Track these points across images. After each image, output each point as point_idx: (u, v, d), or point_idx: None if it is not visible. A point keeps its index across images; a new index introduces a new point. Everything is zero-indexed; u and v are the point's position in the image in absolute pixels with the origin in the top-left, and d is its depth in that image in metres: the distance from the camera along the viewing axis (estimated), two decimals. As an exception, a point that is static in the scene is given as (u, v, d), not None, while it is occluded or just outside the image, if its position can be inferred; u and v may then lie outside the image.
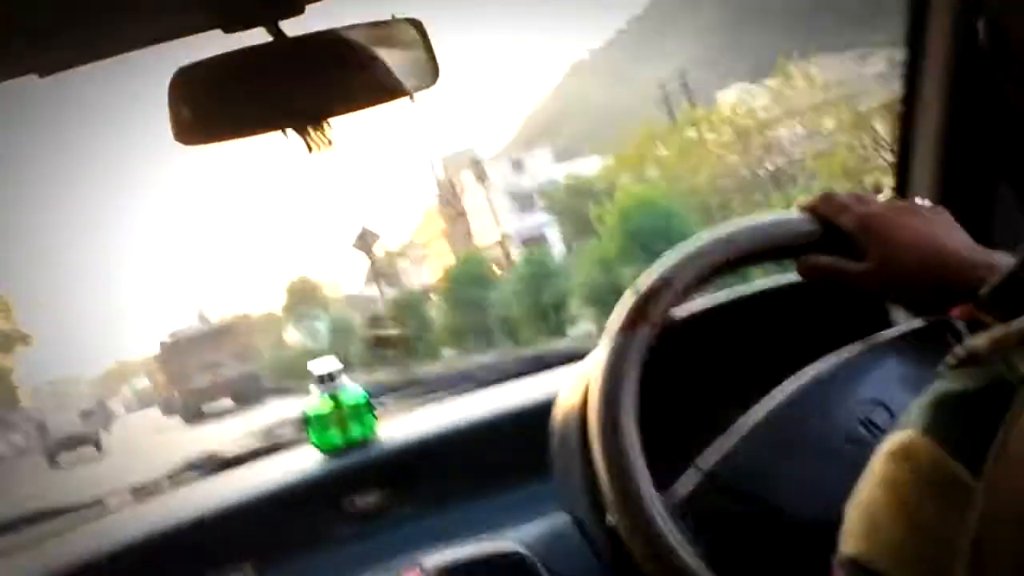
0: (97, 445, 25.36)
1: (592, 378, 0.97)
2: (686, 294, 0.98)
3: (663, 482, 0.96)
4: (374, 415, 1.41)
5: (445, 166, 54.20)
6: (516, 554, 1.18)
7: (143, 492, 1.50)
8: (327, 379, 1.39)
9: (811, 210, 0.98)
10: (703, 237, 1.01)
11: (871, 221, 0.95)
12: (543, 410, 1.19)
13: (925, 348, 0.98)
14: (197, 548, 1.27)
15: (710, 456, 0.96)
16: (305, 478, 1.36)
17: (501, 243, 45.79)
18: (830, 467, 0.92)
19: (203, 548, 1.27)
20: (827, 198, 0.98)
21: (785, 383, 1.00)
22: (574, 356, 1.47)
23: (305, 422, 1.40)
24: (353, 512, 1.34)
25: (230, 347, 27.52)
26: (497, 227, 46.19)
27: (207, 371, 26.24)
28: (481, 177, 48.43)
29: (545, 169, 47.90)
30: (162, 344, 29.94)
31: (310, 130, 1.12)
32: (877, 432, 0.93)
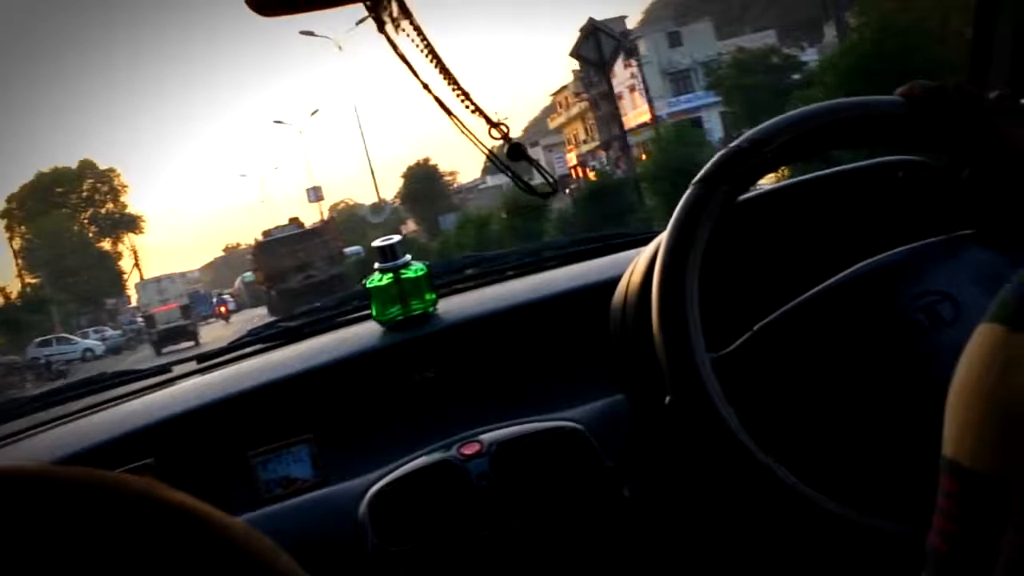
0: (195, 339, 30.59)
1: (663, 235, 1.05)
2: (781, 157, 1.06)
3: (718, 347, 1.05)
4: (434, 291, 1.53)
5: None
6: (572, 430, 1.28)
7: (208, 361, 1.67)
8: (389, 254, 1.50)
9: (911, 95, 1.03)
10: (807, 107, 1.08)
11: (980, 125, 1.00)
12: (605, 291, 1.30)
13: (1006, 248, 1.04)
14: (260, 416, 1.41)
15: (767, 321, 1.06)
16: (365, 350, 1.49)
17: (652, 126, 44.00)
18: (878, 347, 1.01)
19: (265, 417, 1.41)
20: (935, 90, 1.02)
21: (854, 267, 1.07)
22: (641, 239, 1.57)
23: (367, 296, 1.53)
24: (412, 386, 1.48)
25: (321, 248, 29.79)
26: (648, 109, 44.21)
27: (299, 272, 28.75)
28: (631, 51, 45.55)
29: (706, 45, 45.34)
30: (256, 242, 32.46)
31: (383, 4, 1.21)
32: (938, 323, 1.00)
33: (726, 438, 0.97)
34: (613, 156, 48.02)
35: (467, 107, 1.27)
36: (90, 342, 38.91)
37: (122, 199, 68.03)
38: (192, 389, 1.56)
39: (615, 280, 1.29)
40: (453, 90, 1.24)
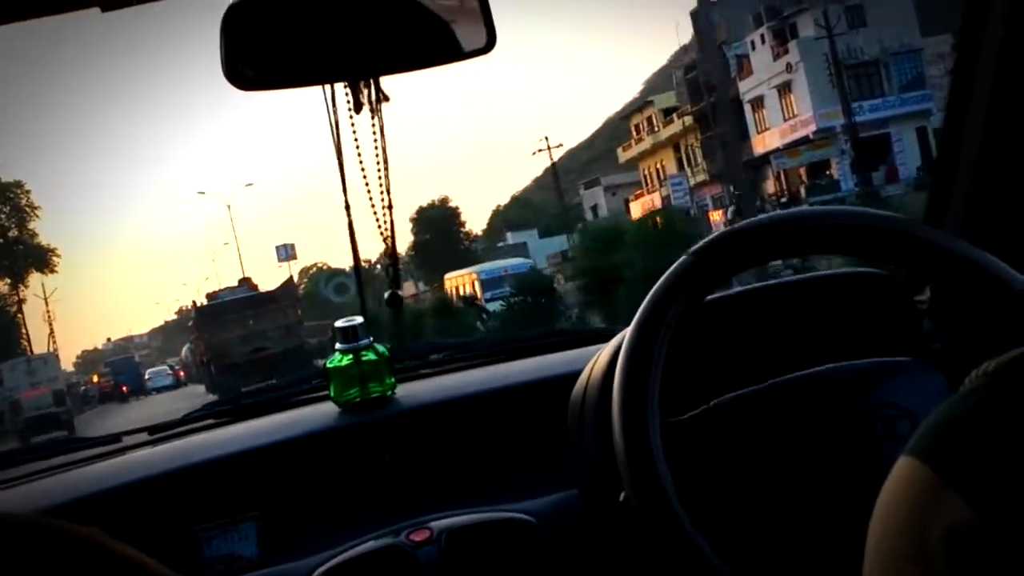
0: (70, 430, 31.16)
1: (627, 334, 1.30)
2: (764, 253, 1.32)
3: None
4: (394, 375, 1.84)
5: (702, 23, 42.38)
6: (524, 522, 1.54)
7: (160, 432, 1.95)
8: (350, 335, 1.81)
9: None
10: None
11: None
12: (565, 385, 1.59)
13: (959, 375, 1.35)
14: (208, 491, 1.67)
15: (725, 398, 1.32)
16: (320, 430, 1.78)
17: (811, 141, 37.37)
18: (829, 443, 1.28)
19: (214, 492, 1.67)
20: None
21: (824, 366, 1.36)
22: (605, 335, 1.87)
23: (326, 376, 1.83)
24: (366, 469, 1.75)
25: (277, 317, 29.93)
26: (810, 118, 37.58)
27: (246, 344, 29.11)
28: (783, 34, 39.25)
29: (899, 29, 37.28)
30: (197, 308, 32.99)
31: (361, 87, 1.44)
32: (892, 436, 1.28)
33: (680, 538, 1.19)
34: (732, 192, 39.38)
35: (384, 221, 1.58)
36: None
37: (31, 225, 60.33)
38: (141, 460, 1.83)
39: (576, 374, 1.56)
40: (381, 197, 1.57)
